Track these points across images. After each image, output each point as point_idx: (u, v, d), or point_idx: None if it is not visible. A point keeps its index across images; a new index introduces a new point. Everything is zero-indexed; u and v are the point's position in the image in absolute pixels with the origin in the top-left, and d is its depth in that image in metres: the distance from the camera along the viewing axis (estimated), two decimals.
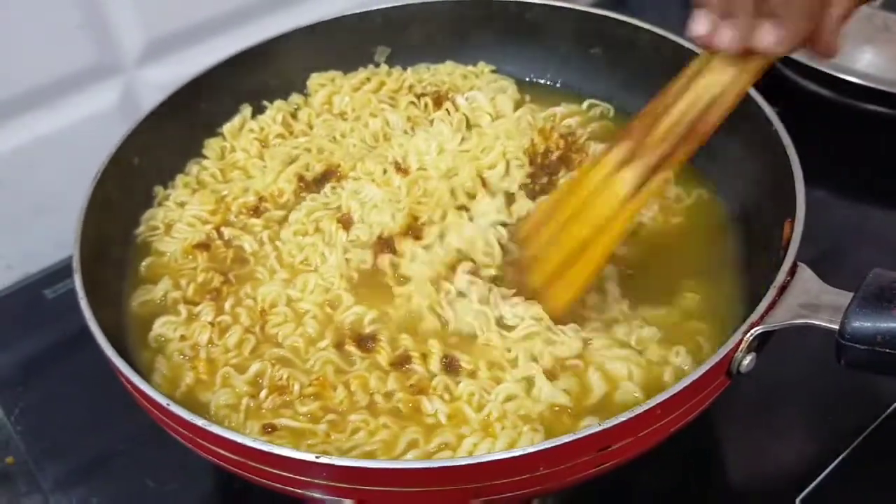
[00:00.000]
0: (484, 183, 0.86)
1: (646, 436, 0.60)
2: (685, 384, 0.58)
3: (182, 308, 0.77)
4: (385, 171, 0.87)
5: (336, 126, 0.95)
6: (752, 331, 0.62)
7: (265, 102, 0.98)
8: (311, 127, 0.96)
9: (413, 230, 0.81)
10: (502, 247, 0.79)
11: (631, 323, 0.73)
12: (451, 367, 0.70)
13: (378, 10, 1.00)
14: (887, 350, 0.60)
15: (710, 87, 0.66)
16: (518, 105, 0.96)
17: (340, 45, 1.00)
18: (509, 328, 0.72)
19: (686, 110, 0.67)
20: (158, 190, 0.89)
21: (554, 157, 0.89)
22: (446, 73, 1.01)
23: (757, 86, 0.76)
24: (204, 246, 0.82)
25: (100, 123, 1.00)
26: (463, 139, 0.91)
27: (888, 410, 0.80)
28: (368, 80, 1.00)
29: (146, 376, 0.68)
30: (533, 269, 0.74)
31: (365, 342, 0.73)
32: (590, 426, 0.57)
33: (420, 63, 1.02)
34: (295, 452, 0.57)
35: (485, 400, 0.67)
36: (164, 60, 1.03)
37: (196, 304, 0.77)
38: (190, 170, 0.91)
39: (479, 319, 0.73)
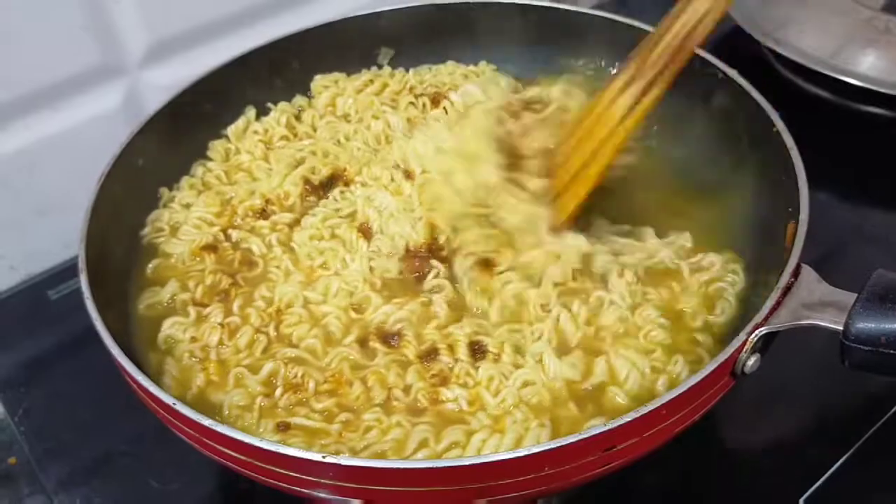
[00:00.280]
0: None
1: (651, 436, 0.60)
2: (690, 385, 0.59)
3: (191, 310, 0.77)
4: (393, 178, 0.87)
5: (340, 128, 0.95)
6: (756, 331, 0.62)
7: (269, 104, 0.98)
8: (314, 129, 0.96)
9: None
10: None
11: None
12: (477, 352, 0.71)
13: (381, 12, 1.01)
14: (891, 351, 0.61)
15: (698, 10, 0.78)
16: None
17: (344, 47, 1.00)
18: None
19: (678, 31, 0.78)
20: (163, 191, 0.89)
21: None
22: (447, 73, 1.01)
23: (761, 89, 0.81)
24: (212, 248, 0.82)
25: (103, 125, 1.00)
26: None
27: (892, 411, 0.80)
28: (371, 81, 1.00)
29: (154, 378, 0.68)
30: (554, 175, 0.81)
31: (390, 338, 0.73)
32: (595, 426, 0.57)
33: (423, 64, 1.03)
34: (301, 452, 0.57)
35: (502, 385, 0.68)
36: (167, 62, 1.03)
37: (205, 305, 0.77)
38: (195, 171, 0.92)
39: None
